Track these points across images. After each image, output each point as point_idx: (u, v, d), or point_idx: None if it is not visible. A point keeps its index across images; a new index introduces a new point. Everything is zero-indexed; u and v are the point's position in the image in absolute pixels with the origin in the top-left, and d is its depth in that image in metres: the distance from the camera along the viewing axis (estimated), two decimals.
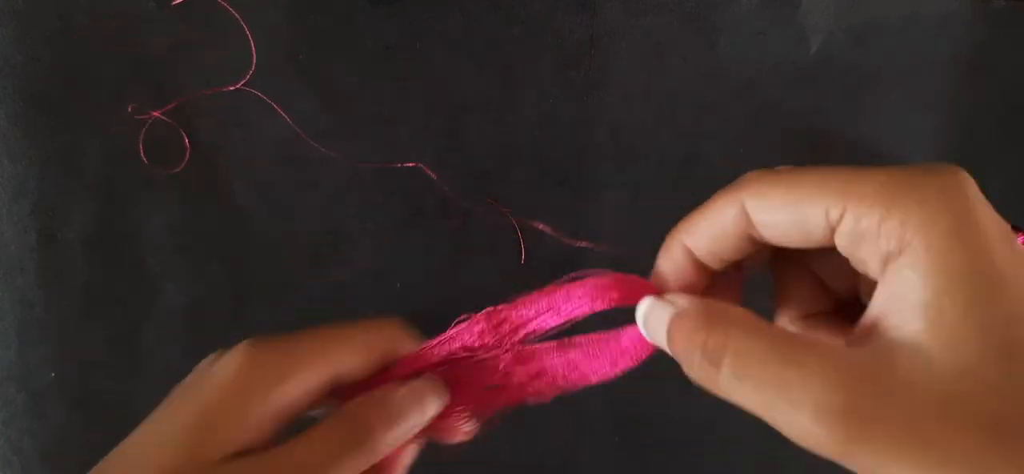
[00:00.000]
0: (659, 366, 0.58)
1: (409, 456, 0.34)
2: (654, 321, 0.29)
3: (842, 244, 0.23)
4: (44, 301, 0.53)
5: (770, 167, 0.28)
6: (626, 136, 0.54)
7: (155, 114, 0.48)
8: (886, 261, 0.22)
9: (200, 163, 0.52)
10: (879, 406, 0.19)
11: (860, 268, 0.24)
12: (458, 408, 0.33)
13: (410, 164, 0.51)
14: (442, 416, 0.33)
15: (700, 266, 0.29)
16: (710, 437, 0.60)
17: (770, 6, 0.53)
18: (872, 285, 0.23)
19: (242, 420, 0.29)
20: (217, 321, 0.55)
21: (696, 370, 0.24)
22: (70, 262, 0.53)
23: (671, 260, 0.30)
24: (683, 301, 0.27)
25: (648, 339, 0.30)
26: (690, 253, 0.29)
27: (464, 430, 0.33)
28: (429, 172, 0.51)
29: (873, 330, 0.22)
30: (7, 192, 0.51)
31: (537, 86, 0.53)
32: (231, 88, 0.49)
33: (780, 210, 0.25)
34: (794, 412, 0.20)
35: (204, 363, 0.33)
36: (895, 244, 0.21)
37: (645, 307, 0.30)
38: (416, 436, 0.32)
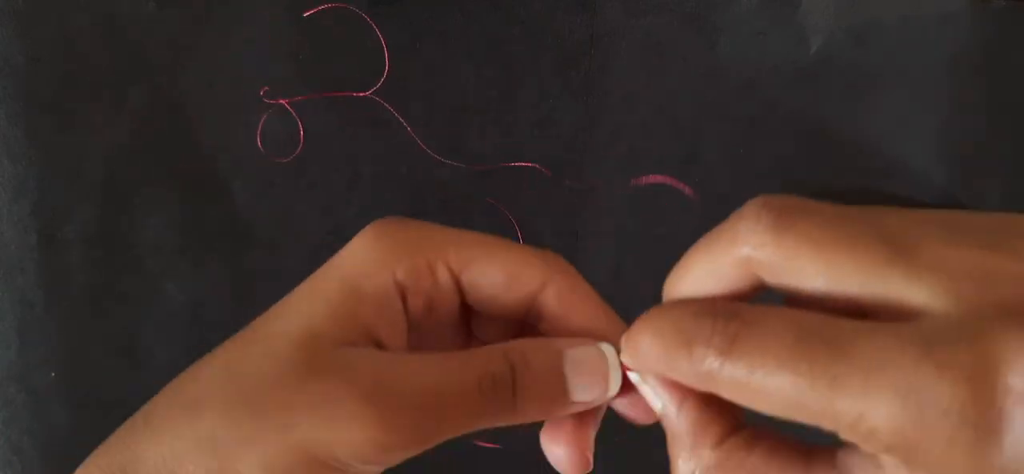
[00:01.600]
0: None
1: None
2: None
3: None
4: (44, 301, 0.53)
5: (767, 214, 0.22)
6: (626, 136, 0.54)
7: (282, 101, 0.48)
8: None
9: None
10: None
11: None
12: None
13: (526, 164, 0.51)
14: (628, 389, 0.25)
15: None
16: None
17: (770, 6, 0.53)
18: None
19: (364, 298, 0.24)
20: (217, 321, 0.55)
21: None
22: (70, 262, 0.53)
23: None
24: (666, 399, 0.24)
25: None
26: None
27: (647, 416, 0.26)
28: (544, 171, 0.51)
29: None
30: (7, 192, 0.51)
31: (537, 86, 0.53)
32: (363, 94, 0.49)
33: (751, 400, 0.20)
34: None
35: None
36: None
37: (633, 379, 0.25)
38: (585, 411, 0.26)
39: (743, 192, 0.24)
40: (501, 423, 0.24)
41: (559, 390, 0.24)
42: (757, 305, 0.20)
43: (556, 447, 0.27)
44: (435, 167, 0.53)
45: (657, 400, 0.24)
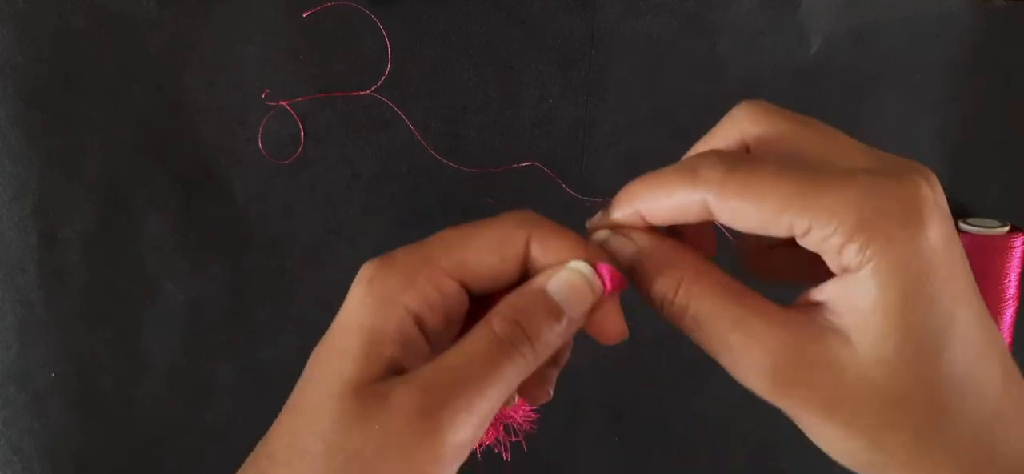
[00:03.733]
0: (659, 366, 0.58)
1: (565, 358, 0.30)
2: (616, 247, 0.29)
3: (804, 244, 0.25)
4: (44, 301, 0.53)
5: (727, 150, 0.28)
6: (626, 136, 0.54)
7: (284, 104, 0.48)
8: (842, 269, 0.25)
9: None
10: (802, 375, 0.25)
11: (817, 252, 0.26)
12: (615, 300, 0.28)
13: (526, 164, 0.51)
14: (599, 308, 0.28)
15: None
16: (709, 436, 0.60)
17: (770, 6, 0.53)
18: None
19: (383, 337, 0.25)
20: (217, 321, 0.55)
21: (665, 308, 0.27)
22: (70, 262, 0.53)
23: (626, 219, 0.29)
24: (644, 240, 0.28)
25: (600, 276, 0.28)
26: (644, 218, 0.28)
27: (620, 329, 0.28)
28: (547, 170, 0.51)
29: (817, 307, 0.26)
30: (7, 192, 0.51)
31: (537, 86, 0.53)
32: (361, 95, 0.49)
33: (743, 218, 0.25)
34: (736, 366, 0.26)
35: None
36: (854, 263, 0.24)
37: (603, 236, 0.29)
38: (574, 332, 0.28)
39: None
40: (532, 369, 0.27)
41: (558, 315, 0.27)
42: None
43: (598, 333, 0.29)
44: (435, 167, 0.53)
45: (630, 244, 0.28)
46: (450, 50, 0.52)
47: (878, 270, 0.23)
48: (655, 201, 0.27)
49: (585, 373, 0.58)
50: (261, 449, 0.27)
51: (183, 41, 0.51)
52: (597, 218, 0.30)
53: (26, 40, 0.50)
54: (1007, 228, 0.54)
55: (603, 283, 0.28)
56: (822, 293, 0.25)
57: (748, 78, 0.54)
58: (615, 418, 0.59)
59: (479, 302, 0.28)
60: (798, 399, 0.25)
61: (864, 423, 0.24)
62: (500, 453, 0.57)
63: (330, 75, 0.52)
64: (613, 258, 0.28)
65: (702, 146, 0.29)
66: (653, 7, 0.53)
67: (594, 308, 0.28)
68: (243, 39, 0.51)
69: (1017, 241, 0.54)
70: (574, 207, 0.54)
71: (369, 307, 0.26)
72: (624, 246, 0.28)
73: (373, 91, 0.52)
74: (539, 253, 0.28)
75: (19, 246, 0.52)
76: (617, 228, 0.29)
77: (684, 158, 0.28)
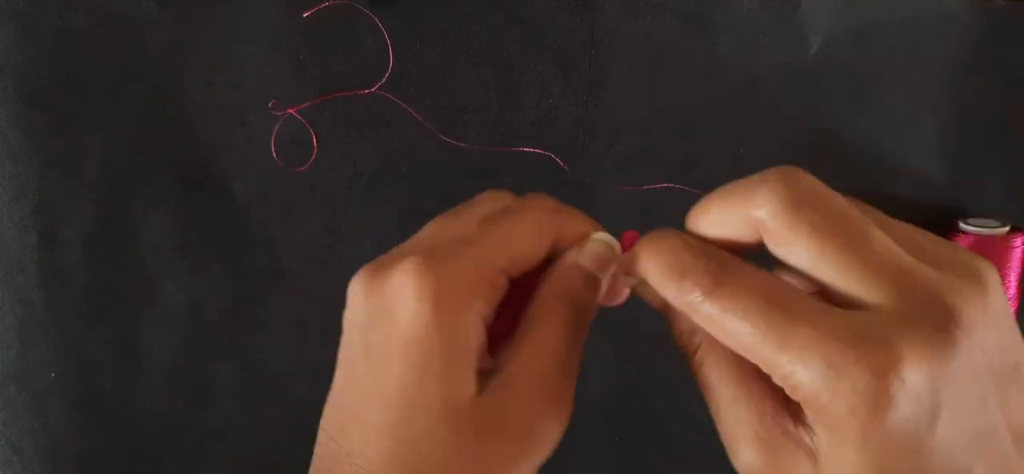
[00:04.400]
0: (658, 366, 0.58)
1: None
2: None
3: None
4: (44, 301, 0.53)
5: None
6: (626, 136, 0.54)
7: (291, 111, 0.48)
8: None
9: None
10: None
11: None
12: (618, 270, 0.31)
13: (539, 151, 0.51)
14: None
15: None
16: (708, 436, 0.60)
17: (770, 6, 0.53)
18: None
19: (471, 352, 0.27)
20: (217, 321, 0.55)
21: (685, 355, 0.28)
22: (70, 262, 0.53)
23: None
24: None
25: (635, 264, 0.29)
26: None
27: (626, 292, 0.31)
28: (560, 161, 0.51)
29: (802, 416, 0.25)
30: (7, 192, 0.51)
31: (537, 86, 0.53)
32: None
33: (717, 334, 0.25)
34: (724, 438, 0.27)
35: (358, 287, 0.28)
36: (811, 419, 0.24)
37: (634, 282, 0.30)
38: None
39: None
40: (585, 332, 0.29)
41: (595, 282, 0.30)
42: (745, 263, 0.25)
43: (607, 298, 0.31)
44: (435, 165, 0.53)
45: (657, 297, 0.28)
46: (450, 50, 0.52)
47: (832, 441, 0.23)
48: (651, 279, 0.27)
49: (585, 373, 0.57)
50: None
51: (183, 41, 0.51)
52: (622, 261, 0.31)
53: (26, 40, 0.50)
54: (1007, 228, 0.54)
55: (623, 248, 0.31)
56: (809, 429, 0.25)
57: (748, 78, 0.54)
58: (615, 418, 0.59)
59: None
60: None
61: None
62: None
63: (330, 75, 0.52)
64: (646, 301, 0.30)
65: (718, 208, 0.26)
66: (653, 7, 0.52)
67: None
68: (243, 39, 0.51)
69: (1017, 241, 0.54)
70: (576, 201, 0.54)
71: (449, 325, 0.26)
72: (653, 297, 0.29)
73: (378, 89, 0.52)
74: (563, 232, 0.30)
75: (19, 246, 0.52)
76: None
77: (685, 246, 0.26)
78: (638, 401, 0.59)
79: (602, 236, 0.31)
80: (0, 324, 0.53)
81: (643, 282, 0.28)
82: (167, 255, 0.53)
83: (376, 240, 0.54)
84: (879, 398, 0.21)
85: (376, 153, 0.53)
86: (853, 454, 0.22)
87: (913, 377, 0.21)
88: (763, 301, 0.23)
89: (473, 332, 0.27)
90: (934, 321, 0.22)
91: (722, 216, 0.26)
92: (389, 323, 0.26)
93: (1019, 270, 0.54)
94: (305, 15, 0.50)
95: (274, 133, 0.52)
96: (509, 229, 0.29)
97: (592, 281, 0.30)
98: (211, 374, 0.55)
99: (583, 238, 0.31)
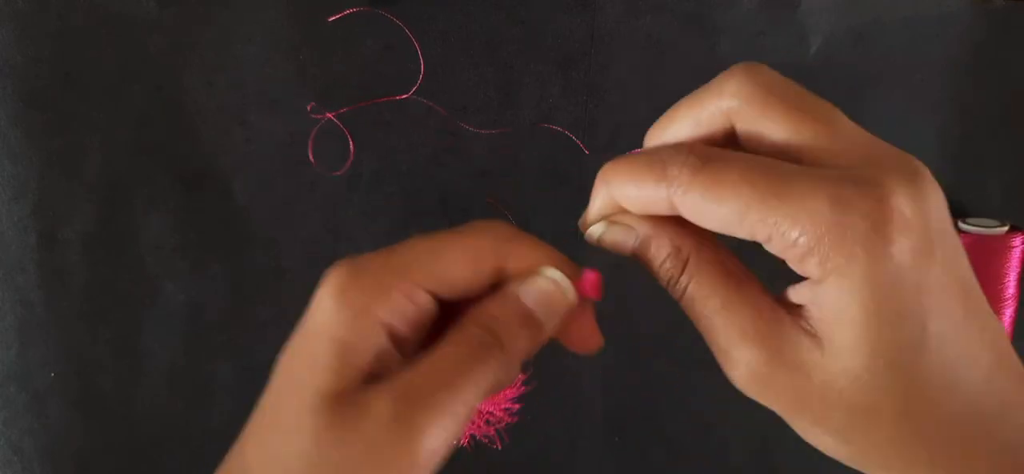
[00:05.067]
0: (658, 366, 0.58)
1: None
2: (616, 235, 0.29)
3: (768, 249, 0.25)
4: (44, 301, 0.53)
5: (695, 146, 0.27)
6: (626, 136, 0.54)
7: (329, 115, 0.48)
8: (807, 276, 0.25)
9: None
10: (774, 373, 0.25)
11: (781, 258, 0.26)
12: (589, 311, 0.29)
13: (558, 128, 0.52)
14: (575, 317, 0.29)
15: None
16: (708, 436, 0.60)
17: (770, 6, 0.53)
18: None
19: (357, 351, 0.26)
20: (217, 321, 0.55)
21: (671, 289, 0.28)
22: (70, 262, 0.53)
23: (607, 208, 0.30)
24: (643, 228, 0.28)
25: (607, 243, 0.30)
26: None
27: (596, 339, 0.29)
28: (581, 144, 0.51)
29: (797, 310, 0.26)
30: (7, 192, 0.51)
31: (537, 86, 0.53)
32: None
33: (706, 219, 0.25)
34: (717, 351, 0.26)
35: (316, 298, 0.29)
36: (816, 274, 0.24)
37: (600, 230, 0.30)
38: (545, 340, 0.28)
39: None
40: (505, 375, 0.27)
41: (531, 321, 0.28)
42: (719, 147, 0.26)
43: (573, 342, 0.30)
44: (434, 167, 0.53)
45: (631, 233, 0.29)
46: (450, 50, 0.52)
47: (840, 285, 0.23)
48: (625, 191, 0.28)
49: (585, 374, 0.58)
50: (234, 461, 0.27)
51: (183, 41, 0.51)
52: (586, 215, 0.30)
53: (26, 40, 0.50)
54: (1007, 228, 0.54)
55: (578, 292, 0.28)
56: (797, 295, 0.25)
57: None
58: (614, 418, 0.59)
59: (449, 305, 0.28)
60: (769, 397, 0.26)
61: (832, 425, 0.25)
62: (499, 451, 0.57)
63: (330, 75, 0.52)
64: (616, 250, 0.29)
65: (685, 112, 0.28)
66: (653, 7, 0.53)
67: (568, 316, 0.28)
68: (243, 39, 0.51)
69: (1017, 241, 0.54)
70: (574, 208, 0.54)
71: (343, 320, 0.26)
72: (625, 237, 0.29)
73: (412, 95, 0.52)
74: (512, 263, 0.28)
75: (19, 246, 0.52)
76: (612, 219, 0.29)
77: (659, 146, 0.28)
78: (638, 401, 0.59)
79: (551, 272, 0.28)
80: (0, 324, 0.53)
81: (611, 225, 0.29)
82: (167, 255, 0.53)
83: (376, 240, 0.54)
84: (886, 224, 0.23)
85: (376, 153, 0.53)
86: (866, 295, 0.23)
87: (906, 208, 0.23)
88: (754, 166, 0.24)
89: (370, 334, 0.26)
90: (908, 173, 0.24)
91: (690, 114, 0.28)
92: (308, 314, 0.27)
93: (1019, 270, 0.54)
94: (330, 20, 0.50)
95: (311, 139, 0.52)
96: (436, 247, 0.28)
97: (527, 319, 0.27)
98: (211, 374, 0.55)
99: (531, 272, 0.28)
